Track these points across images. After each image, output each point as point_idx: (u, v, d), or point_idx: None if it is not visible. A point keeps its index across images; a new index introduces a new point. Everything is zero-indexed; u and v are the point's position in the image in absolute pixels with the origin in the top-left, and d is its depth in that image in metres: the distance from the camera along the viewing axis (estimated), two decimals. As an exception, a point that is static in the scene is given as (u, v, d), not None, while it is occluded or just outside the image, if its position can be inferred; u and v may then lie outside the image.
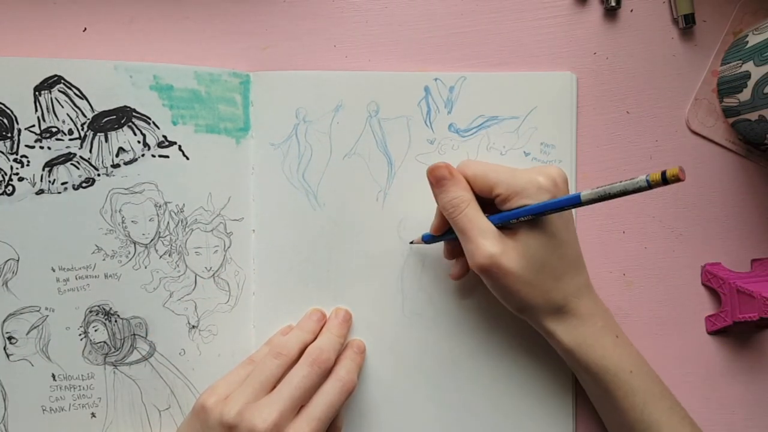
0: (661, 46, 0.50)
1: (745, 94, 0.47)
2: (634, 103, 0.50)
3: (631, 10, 0.50)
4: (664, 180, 0.32)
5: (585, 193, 0.37)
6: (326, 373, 0.42)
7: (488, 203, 0.42)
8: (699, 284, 0.50)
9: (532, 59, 0.50)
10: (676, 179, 0.32)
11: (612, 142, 0.50)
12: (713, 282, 0.49)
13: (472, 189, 0.42)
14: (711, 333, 0.50)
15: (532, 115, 0.49)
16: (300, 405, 0.40)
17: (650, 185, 0.33)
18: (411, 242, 0.48)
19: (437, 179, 0.42)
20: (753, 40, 0.47)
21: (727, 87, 0.49)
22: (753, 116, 0.47)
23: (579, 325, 0.42)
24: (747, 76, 0.46)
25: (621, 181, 0.35)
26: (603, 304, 0.44)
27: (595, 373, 0.43)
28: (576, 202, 0.37)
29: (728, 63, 0.49)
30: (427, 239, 0.47)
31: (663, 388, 0.43)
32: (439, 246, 0.48)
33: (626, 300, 0.50)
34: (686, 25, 0.49)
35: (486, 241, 0.40)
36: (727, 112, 0.50)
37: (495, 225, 0.41)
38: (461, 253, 0.45)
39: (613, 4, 0.49)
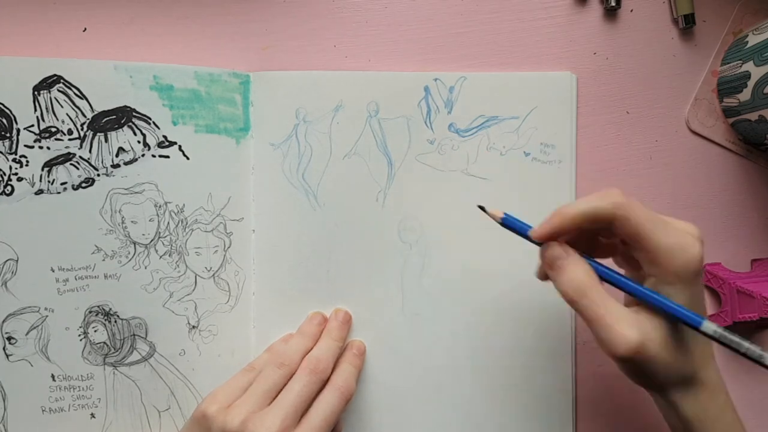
0: (661, 46, 0.50)
1: (745, 94, 0.47)
2: (634, 103, 0.50)
3: (631, 10, 0.50)
4: None
5: (712, 328, 0.35)
6: (325, 381, 0.42)
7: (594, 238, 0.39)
8: (699, 284, 0.50)
9: (532, 59, 0.50)
10: None
11: (612, 142, 0.50)
12: (713, 282, 0.49)
13: (620, 226, 0.37)
14: (711, 333, 0.50)
15: (532, 115, 0.49)
16: (301, 413, 0.41)
17: None
18: (482, 207, 0.41)
19: (551, 261, 0.38)
20: (753, 40, 0.47)
21: (727, 87, 0.49)
22: (753, 116, 0.47)
23: (704, 398, 0.38)
24: (747, 76, 0.46)
25: (752, 346, 0.34)
26: (721, 374, 0.40)
27: None
28: (695, 325, 0.35)
29: (728, 63, 0.49)
30: (508, 222, 0.40)
31: None
32: (441, 247, 0.48)
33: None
34: (686, 25, 0.49)
35: (626, 330, 0.35)
36: (727, 112, 0.50)
37: (601, 277, 0.37)
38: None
39: (613, 4, 0.49)
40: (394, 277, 0.49)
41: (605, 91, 0.50)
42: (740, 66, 0.47)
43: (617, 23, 0.50)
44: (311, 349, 0.45)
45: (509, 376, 0.49)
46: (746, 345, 0.34)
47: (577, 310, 0.37)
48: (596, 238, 0.41)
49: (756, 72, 0.46)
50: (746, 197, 0.50)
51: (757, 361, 0.34)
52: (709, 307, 0.50)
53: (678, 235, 0.36)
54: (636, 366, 0.36)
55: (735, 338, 0.35)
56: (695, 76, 0.50)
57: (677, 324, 0.37)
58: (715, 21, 0.50)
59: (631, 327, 0.35)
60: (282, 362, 0.43)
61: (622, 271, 0.41)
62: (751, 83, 0.46)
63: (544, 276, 0.40)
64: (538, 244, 0.39)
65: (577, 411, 0.49)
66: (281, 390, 0.41)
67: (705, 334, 0.35)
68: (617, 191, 0.37)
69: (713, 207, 0.50)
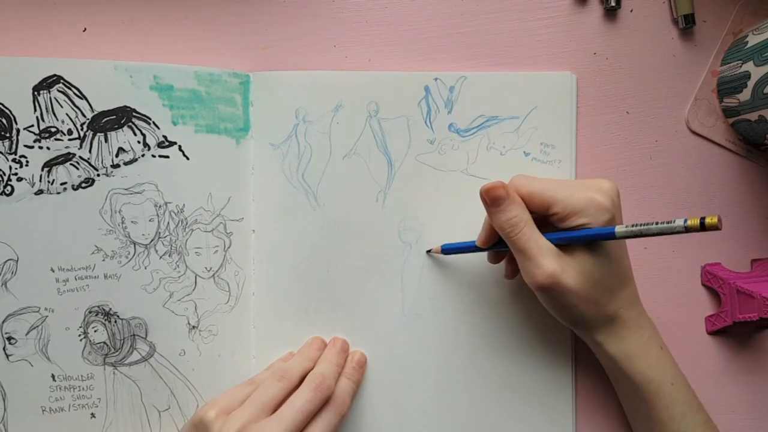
0: (661, 46, 0.50)
1: (745, 94, 0.47)
2: (634, 103, 0.50)
3: (631, 10, 0.50)
4: (702, 227, 0.34)
5: (619, 230, 0.39)
6: (326, 399, 0.42)
7: (540, 219, 0.42)
8: (699, 284, 0.50)
9: (532, 59, 0.50)
10: (714, 228, 0.34)
11: (612, 142, 0.50)
12: (713, 282, 0.49)
13: (527, 206, 0.42)
14: (711, 333, 0.50)
15: (532, 115, 0.49)
16: (300, 429, 0.40)
17: (687, 230, 0.35)
18: (428, 251, 0.48)
19: (494, 199, 0.42)
20: (753, 40, 0.47)
21: (727, 87, 0.49)
22: (753, 116, 0.47)
23: (627, 335, 0.43)
24: (747, 76, 0.46)
25: (658, 223, 0.37)
26: (647, 315, 0.45)
27: (639, 383, 0.43)
28: (610, 236, 0.39)
29: (728, 63, 0.49)
30: (447, 250, 0.47)
31: (699, 402, 0.44)
32: (440, 244, 0.48)
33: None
34: (686, 25, 0.49)
35: (546, 260, 0.40)
36: (727, 112, 0.50)
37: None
38: (505, 256, 0.47)
39: (613, 4, 0.49)
40: (394, 277, 0.49)
41: (605, 91, 0.50)
42: (740, 66, 0.47)
43: (617, 23, 0.50)
44: (311, 369, 0.44)
45: (509, 376, 0.49)
46: (654, 225, 0.37)
47: (510, 243, 0.42)
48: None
49: (756, 72, 0.46)
50: (746, 197, 0.50)
51: (672, 231, 0.36)
52: (709, 307, 0.50)
53: (582, 197, 0.41)
54: (555, 297, 0.41)
55: (643, 226, 0.38)
56: (695, 76, 0.50)
57: (595, 265, 0.41)
58: (715, 21, 0.50)
59: (549, 260, 0.40)
60: (282, 376, 0.43)
61: None
62: (751, 83, 0.46)
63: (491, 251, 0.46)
64: (484, 249, 0.45)
65: (577, 411, 0.49)
66: (280, 403, 0.41)
67: (624, 237, 0.39)
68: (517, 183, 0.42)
69: (713, 207, 0.50)
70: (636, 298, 0.44)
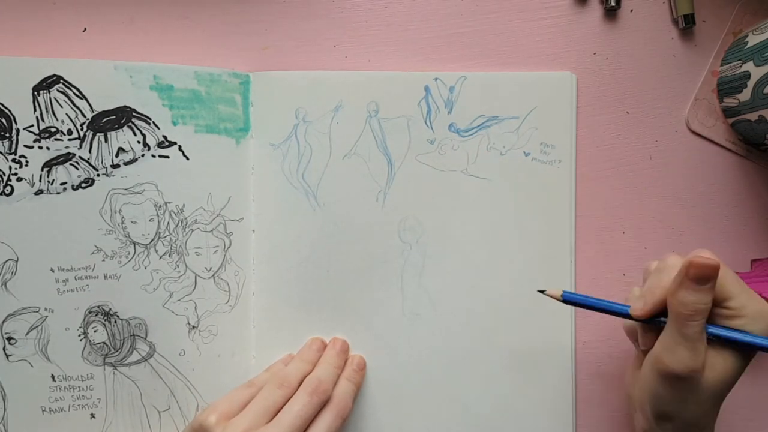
0: (661, 46, 0.50)
1: (745, 95, 0.47)
2: (634, 103, 0.50)
3: (631, 10, 0.50)
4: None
5: None
6: (324, 403, 0.43)
7: None
8: (699, 284, 0.50)
9: (532, 59, 0.50)
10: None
11: (612, 142, 0.50)
12: (713, 282, 0.49)
13: None
14: (711, 333, 0.50)
15: (532, 115, 0.49)
16: None
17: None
18: (542, 291, 0.44)
19: (702, 278, 0.37)
20: (753, 40, 0.47)
21: (727, 87, 0.49)
22: (753, 116, 0.47)
23: None
24: (747, 76, 0.46)
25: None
26: None
27: None
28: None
29: (728, 63, 0.49)
30: (571, 300, 0.43)
31: None
32: (441, 247, 0.48)
33: (626, 300, 0.50)
34: (686, 25, 0.49)
35: (700, 352, 0.37)
36: (727, 112, 0.50)
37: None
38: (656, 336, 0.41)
39: (613, 4, 0.49)
40: (394, 277, 0.49)
41: (605, 91, 0.50)
42: (740, 66, 0.47)
43: (617, 23, 0.50)
44: (310, 373, 0.45)
45: (509, 377, 0.49)
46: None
47: (683, 326, 0.37)
48: None
49: (756, 72, 0.46)
50: (746, 197, 0.50)
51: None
52: (709, 307, 0.50)
53: (761, 304, 0.39)
54: (681, 389, 0.38)
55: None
56: (695, 76, 0.50)
57: (731, 376, 0.39)
58: (715, 21, 0.50)
59: (703, 353, 0.37)
60: (281, 383, 0.43)
61: None
62: (751, 83, 0.46)
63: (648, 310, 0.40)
64: (632, 318, 0.41)
65: (577, 411, 0.49)
66: (280, 409, 0.41)
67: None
68: (708, 253, 0.38)
69: (713, 207, 0.50)
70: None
